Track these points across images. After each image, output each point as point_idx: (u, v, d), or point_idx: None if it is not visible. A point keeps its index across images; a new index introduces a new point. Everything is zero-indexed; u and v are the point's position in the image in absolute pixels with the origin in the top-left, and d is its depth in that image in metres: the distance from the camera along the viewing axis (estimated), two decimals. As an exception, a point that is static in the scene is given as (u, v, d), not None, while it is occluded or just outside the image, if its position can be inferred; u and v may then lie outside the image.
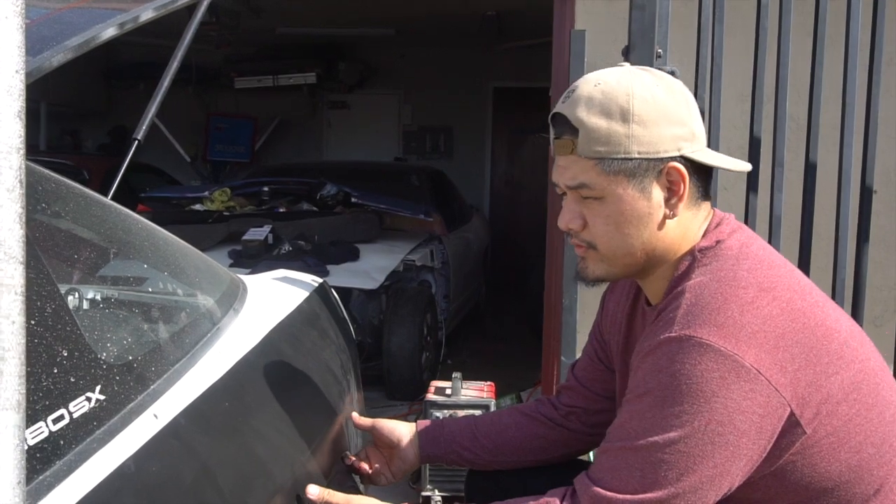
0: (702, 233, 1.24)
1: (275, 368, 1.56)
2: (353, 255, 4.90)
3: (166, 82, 1.78)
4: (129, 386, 1.13)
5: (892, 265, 2.25)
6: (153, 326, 1.42)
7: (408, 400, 4.66)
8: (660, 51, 1.97)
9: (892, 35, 2.22)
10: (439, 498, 2.91)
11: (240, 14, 7.25)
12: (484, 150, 9.81)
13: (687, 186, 1.19)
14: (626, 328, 1.38)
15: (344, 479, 1.63)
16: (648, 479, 1.10)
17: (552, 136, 1.24)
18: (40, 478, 0.90)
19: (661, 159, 1.17)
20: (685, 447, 1.08)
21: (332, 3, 6.66)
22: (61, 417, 0.97)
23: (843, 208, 2.09)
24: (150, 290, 1.53)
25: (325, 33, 8.22)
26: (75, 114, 9.15)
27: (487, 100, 9.64)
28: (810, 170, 2.13)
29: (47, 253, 1.18)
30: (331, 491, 1.37)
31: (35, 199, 1.20)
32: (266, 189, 5.85)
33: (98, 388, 1.06)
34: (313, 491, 1.36)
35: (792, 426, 1.10)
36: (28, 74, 1.31)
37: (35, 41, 1.40)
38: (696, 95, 2.10)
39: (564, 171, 1.21)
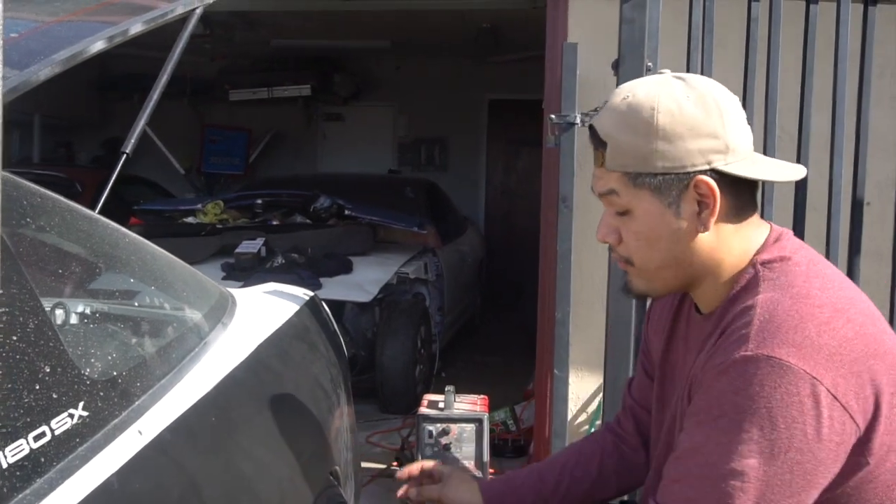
0: (757, 244, 1.20)
1: (263, 383, 1.55)
2: (347, 268, 4.89)
3: (155, 95, 1.77)
4: (114, 402, 1.12)
5: (885, 278, 2.25)
6: (139, 341, 1.41)
7: (401, 413, 4.64)
8: (650, 64, 1.97)
9: (881, 47, 2.22)
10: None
11: (234, 26, 7.26)
12: (479, 161, 9.81)
13: (718, 200, 1.15)
14: (669, 334, 1.35)
15: (332, 494, 1.62)
16: None
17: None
18: (20, 496, 0.89)
19: (689, 173, 1.14)
20: (765, 475, 1.04)
21: (327, 15, 6.67)
22: (43, 434, 0.96)
23: (833, 221, 2.09)
24: (136, 304, 1.52)
25: (320, 45, 8.23)
26: (69, 126, 9.15)
27: (482, 111, 9.64)
28: (801, 182, 2.12)
29: (32, 268, 1.17)
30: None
31: (20, 213, 1.19)
32: (259, 202, 5.84)
33: (81, 404, 1.05)
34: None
35: (857, 454, 1.07)
36: (15, 88, 1.31)
37: (23, 55, 1.40)
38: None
39: (598, 181, 1.22)
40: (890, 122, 2.25)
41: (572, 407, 3.67)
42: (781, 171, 1.24)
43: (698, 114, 1.15)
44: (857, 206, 2.15)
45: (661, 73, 1.22)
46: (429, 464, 1.55)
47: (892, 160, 2.23)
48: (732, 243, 1.20)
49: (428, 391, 4.55)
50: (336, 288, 4.64)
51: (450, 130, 9.61)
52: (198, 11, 1.88)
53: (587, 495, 1.46)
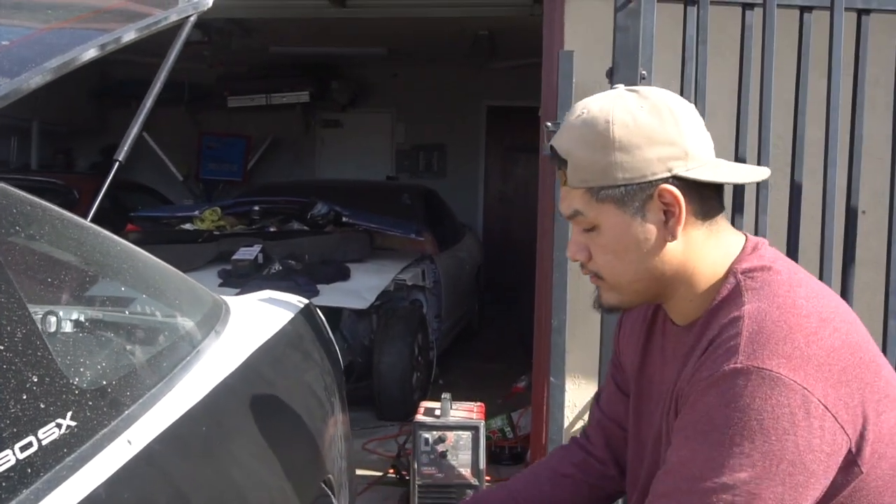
0: (733, 253, 1.19)
1: (255, 392, 1.55)
2: (344, 275, 4.88)
3: (149, 103, 1.77)
4: (103, 411, 1.12)
5: (882, 286, 2.24)
6: (130, 349, 1.41)
7: (398, 420, 4.63)
8: (644, 72, 1.97)
9: (875, 55, 2.22)
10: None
11: (232, 33, 7.27)
12: (477, 168, 9.82)
13: (683, 207, 1.15)
14: (643, 347, 1.34)
15: (325, 503, 1.62)
16: None
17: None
18: (5, 507, 0.89)
19: (650, 182, 1.14)
20: (756, 489, 1.03)
21: (325, 22, 6.68)
22: (29, 445, 0.96)
23: (827, 229, 2.09)
24: (127, 312, 1.52)
25: (318, 52, 8.24)
26: (68, 132, 9.15)
27: (480, 118, 9.66)
28: (796, 191, 2.12)
29: (21, 276, 1.16)
30: None
31: (10, 222, 1.18)
32: (256, 208, 5.84)
33: (69, 413, 1.04)
34: None
35: (849, 464, 1.06)
36: (6, 96, 1.31)
37: (14, 63, 1.40)
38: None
39: (563, 202, 1.21)
40: (885, 131, 2.25)
41: (569, 414, 3.66)
42: (744, 173, 1.25)
43: (653, 122, 1.14)
44: (851, 215, 2.15)
45: (615, 87, 1.22)
46: None
47: (887, 169, 2.22)
48: (704, 251, 1.19)
49: (425, 398, 4.54)
50: (333, 295, 4.64)
51: (448, 137, 9.62)
52: (192, 19, 1.87)
53: None
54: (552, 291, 2.36)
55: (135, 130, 1.74)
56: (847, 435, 1.05)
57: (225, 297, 1.92)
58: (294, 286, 4.32)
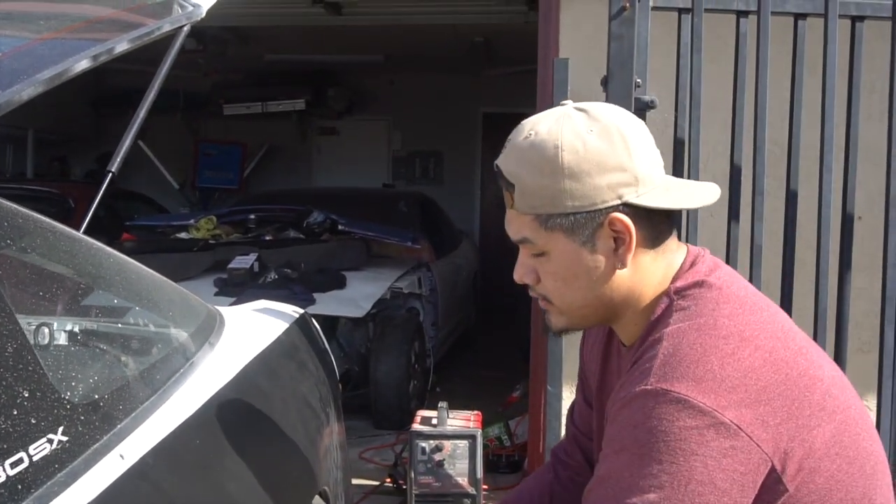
0: (673, 271, 1.18)
1: (250, 404, 1.54)
2: (340, 283, 4.87)
3: (142, 113, 1.76)
4: (95, 426, 1.11)
5: (878, 291, 2.24)
6: (123, 362, 1.40)
7: (395, 429, 4.62)
8: (639, 80, 1.96)
9: (870, 61, 2.22)
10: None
11: (227, 41, 7.28)
12: (474, 174, 9.83)
13: (633, 235, 1.13)
14: (602, 366, 1.34)
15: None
16: None
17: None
18: (-5, 525, 0.88)
19: (600, 210, 1.12)
20: None
21: (320, 30, 6.69)
22: (20, 461, 0.95)
23: (823, 236, 2.09)
24: (120, 324, 1.51)
25: (314, 60, 8.25)
26: (63, 141, 9.14)
27: (477, 125, 9.67)
28: (791, 197, 2.12)
29: (12, 289, 1.15)
30: None
31: (1, 235, 1.17)
32: (252, 217, 5.83)
33: (61, 429, 1.03)
34: None
35: (774, 483, 1.05)
36: (-4, 108, 1.30)
37: (6, 74, 1.39)
38: (675, 124, 2.10)
39: (510, 225, 1.18)
40: (880, 137, 2.25)
41: (566, 423, 3.65)
42: (696, 196, 1.20)
43: (603, 147, 1.11)
44: (847, 221, 2.15)
45: (563, 104, 1.18)
46: None
47: (882, 174, 2.23)
48: (650, 273, 1.18)
49: (422, 406, 4.52)
50: (329, 303, 4.63)
51: (444, 144, 9.63)
52: (185, 29, 1.87)
53: None
54: (548, 299, 2.35)
55: (128, 140, 1.73)
56: (765, 453, 1.04)
57: (219, 308, 1.91)
58: (290, 295, 4.31)
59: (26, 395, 1.00)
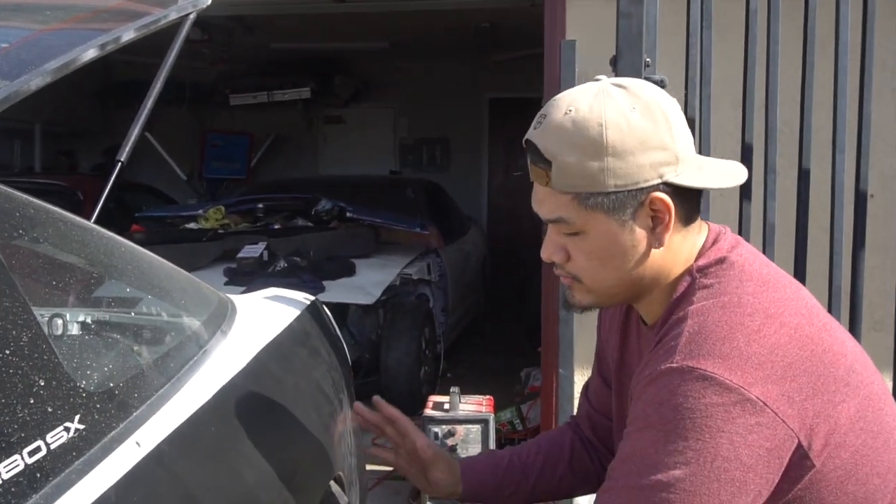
0: (697, 250, 1.18)
1: (263, 391, 1.54)
2: (349, 271, 4.88)
3: (149, 103, 1.76)
4: (111, 414, 1.11)
5: (891, 269, 2.23)
6: (136, 351, 1.40)
7: (407, 415, 4.62)
8: (648, 59, 1.95)
9: (882, 39, 2.20)
10: (440, 514, 2.87)
11: (233, 31, 7.26)
12: (481, 160, 9.80)
13: (672, 215, 1.13)
14: (621, 345, 1.33)
15: (336, 502, 1.61)
16: None
17: (528, 160, 1.16)
18: (15, 513, 0.88)
19: (642, 189, 1.11)
20: (690, 485, 1.03)
21: (325, 18, 6.66)
22: (38, 449, 0.95)
23: (836, 214, 2.07)
24: (133, 313, 1.51)
25: (319, 48, 8.23)
26: (70, 134, 9.15)
27: (483, 110, 9.64)
28: (804, 176, 2.11)
29: (26, 280, 1.15)
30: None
31: (12, 225, 1.18)
32: (260, 206, 5.84)
33: (77, 417, 1.03)
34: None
35: (801, 458, 1.06)
36: (6, 99, 1.30)
37: (14, 65, 1.39)
38: (686, 103, 2.08)
39: (542, 204, 1.16)
40: (892, 115, 2.23)
41: (578, 405, 3.65)
42: (728, 175, 1.19)
43: (646, 125, 1.10)
44: (860, 199, 2.13)
45: (597, 79, 1.16)
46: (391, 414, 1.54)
47: (895, 152, 2.21)
48: (680, 252, 1.17)
49: (433, 392, 4.53)
50: (339, 291, 4.63)
51: (451, 130, 9.60)
52: (191, 17, 1.86)
53: (553, 492, 1.47)
54: (559, 283, 2.34)
55: (136, 131, 1.73)
56: (791, 429, 1.04)
57: (231, 296, 1.91)
58: (299, 283, 4.32)
59: (42, 384, 1.00)
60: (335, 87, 8.90)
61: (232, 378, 1.43)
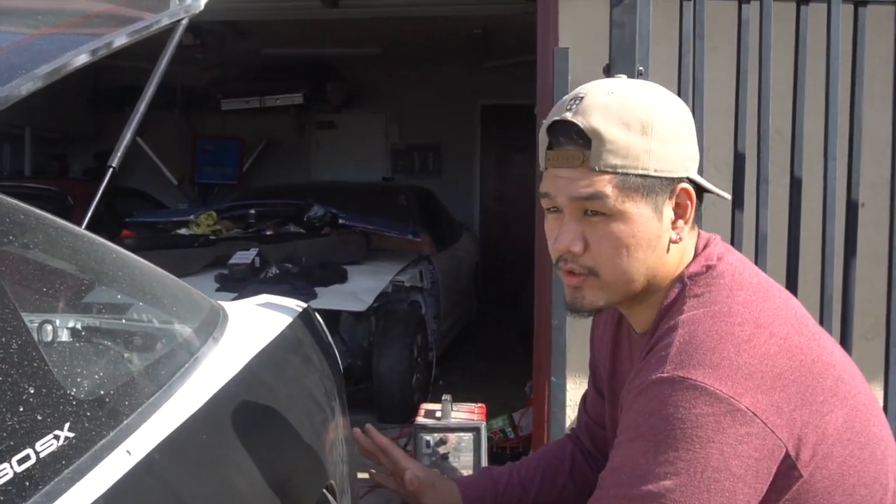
0: (690, 255, 1.19)
1: (255, 398, 1.53)
2: (341, 277, 4.87)
3: (142, 108, 1.75)
4: (101, 422, 1.10)
5: (881, 278, 2.23)
6: (127, 358, 1.39)
7: (399, 422, 4.62)
8: (641, 68, 1.95)
9: (873, 47, 2.21)
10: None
11: (225, 36, 7.26)
12: (473, 167, 9.81)
13: (693, 209, 1.14)
14: (612, 354, 1.33)
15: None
16: None
17: (545, 146, 1.13)
18: (3, 523, 0.87)
19: (674, 179, 1.12)
20: (681, 496, 1.03)
21: (318, 23, 6.67)
22: (27, 458, 0.94)
23: (828, 223, 2.08)
24: (124, 320, 1.50)
25: (311, 53, 8.23)
26: (62, 138, 9.12)
27: (475, 117, 9.65)
28: (795, 185, 2.11)
29: (16, 286, 1.14)
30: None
31: (2, 231, 1.17)
32: (252, 212, 5.82)
33: (67, 425, 1.02)
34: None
35: (788, 468, 1.06)
36: (-5, 104, 1.29)
37: (4, 69, 1.38)
38: (679, 112, 2.09)
39: (571, 183, 1.10)
40: (883, 123, 2.24)
41: (570, 413, 3.65)
42: (716, 188, 1.22)
43: (683, 119, 1.13)
44: (852, 208, 2.14)
45: (618, 76, 1.19)
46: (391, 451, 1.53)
47: (886, 161, 2.22)
48: (684, 254, 1.18)
49: (425, 399, 4.52)
50: (331, 297, 4.62)
51: (443, 137, 9.61)
52: (184, 22, 1.86)
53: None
54: (552, 289, 2.34)
55: (128, 136, 1.72)
56: (779, 439, 1.04)
57: (223, 303, 1.90)
58: (291, 289, 4.31)
59: (32, 391, 0.99)
60: (327, 93, 8.90)
61: (224, 386, 1.42)
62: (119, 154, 1.73)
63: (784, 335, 1.09)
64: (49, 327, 1.38)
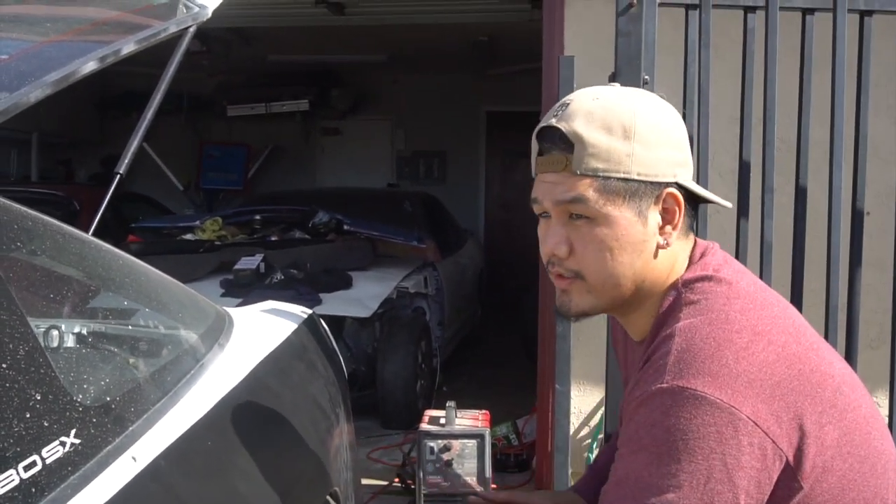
0: (686, 263, 1.18)
1: (260, 405, 1.53)
2: (346, 283, 4.87)
3: (149, 115, 1.76)
4: (107, 428, 1.11)
5: (886, 287, 2.23)
6: (133, 364, 1.40)
7: (403, 429, 4.62)
8: (646, 77, 1.96)
9: (878, 56, 2.21)
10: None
11: (231, 42, 7.28)
12: (478, 173, 9.82)
13: (682, 215, 1.14)
14: (624, 360, 1.34)
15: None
16: None
17: (536, 152, 1.16)
18: (9, 529, 0.87)
19: (659, 183, 1.12)
20: None
21: (324, 30, 6.69)
22: (33, 464, 0.94)
23: (833, 232, 2.07)
24: (130, 326, 1.51)
25: (317, 60, 8.25)
26: (68, 143, 9.15)
27: (480, 124, 9.66)
28: (801, 194, 2.11)
29: (23, 292, 1.15)
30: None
31: (10, 237, 1.17)
32: (258, 217, 5.83)
33: (73, 431, 1.03)
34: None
35: (788, 479, 1.05)
36: (5, 111, 1.30)
37: (14, 77, 1.39)
38: (684, 120, 2.09)
39: (555, 187, 1.12)
40: (888, 132, 2.24)
41: (574, 421, 3.65)
42: (715, 197, 1.23)
43: (670, 124, 1.13)
44: (857, 217, 2.14)
45: (611, 85, 1.19)
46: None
47: (891, 169, 2.22)
48: (677, 260, 1.18)
49: (429, 406, 4.52)
50: (336, 303, 4.62)
51: (448, 143, 9.62)
52: (191, 30, 1.86)
53: None
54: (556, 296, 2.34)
55: (135, 143, 1.73)
56: (780, 448, 1.03)
57: (228, 309, 1.91)
58: (296, 295, 4.31)
59: (38, 398, 1.00)
60: (333, 99, 8.93)
61: (229, 392, 1.43)
62: (126, 161, 1.74)
63: (782, 343, 1.08)
64: (55, 333, 1.38)
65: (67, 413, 1.04)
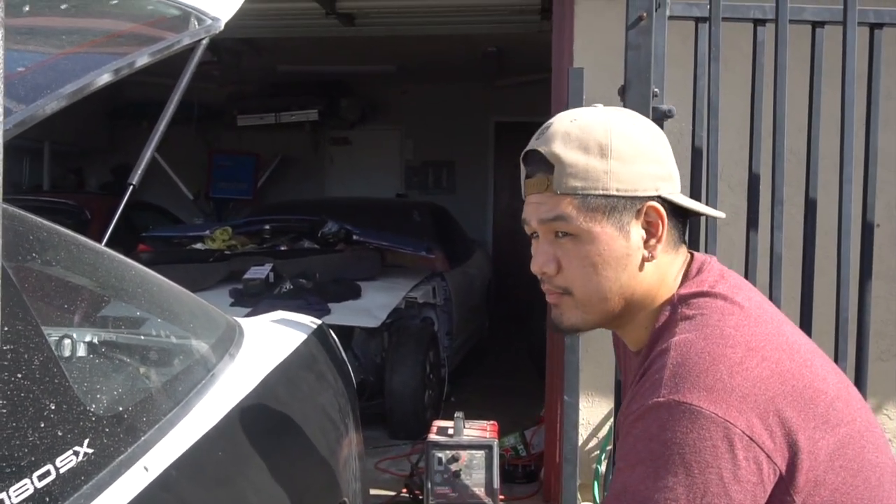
0: (680, 279, 1.20)
1: (270, 415, 1.54)
2: (355, 293, 4.88)
3: (162, 126, 1.77)
4: (119, 438, 1.12)
5: (896, 299, 2.22)
6: (145, 374, 1.41)
7: (410, 439, 4.62)
8: (656, 90, 1.96)
9: (888, 68, 2.21)
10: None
11: (242, 53, 7.32)
12: (486, 184, 9.84)
13: (665, 228, 1.16)
14: (623, 366, 1.35)
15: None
16: None
17: (524, 175, 1.21)
18: (24, 538, 0.88)
19: (640, 198, 1.15)
20: None
21: (333, 41, 6.72)
22: (47, 473, 0.95)
23: (843, 244, 2.07)
24: (142, 337, 1.52)
25: (327, 70, 8.29)
26: (79, 152, 9.21)
27: (489, 134, 9.69)
28: (810, 205, 2.11)
29: (38, 302, 1.16)
30: None
31: (26, 248, 1.19)
32: (267, 227, 5.85)
33: (86, 441, 1.04)
34: None
35: (782, 493, 1.06)
36: (21, 123, 1.31)
37: (30, 89, 1.40)
38: (693, 133, 2.10)
39: (539, 207, 1.17)
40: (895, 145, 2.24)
41: (583, 432, 3.64)
42: (707, 207, 1.25)
43: (647, 139, 1.16)
44: (867, 228, 2.13)
45: (594, 106, 1.22)
46: None
47: (901, 182, 2.22)
48: (668, 275, 1.20)
49: (437, 416, 4.52)
50: (344, 313, 4.63)
51: (457, 153, 9.64)
52: (204, 42, 1.88)
53: None
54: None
55: (148, 154, 1.75)
56: (774, 463, 1.04)
57: (238, 319, 1.92)
58: (305, 305, 4.33)
59: (53, 407, 1.01)
60: (342, 109, 8.96)
61: (240, 402, 1.43)
62: (140, 171, 1.76)
63: (775, 360, 1.10)
64: (68, 342, 1.39)
65: (81, 423, 1.05)
